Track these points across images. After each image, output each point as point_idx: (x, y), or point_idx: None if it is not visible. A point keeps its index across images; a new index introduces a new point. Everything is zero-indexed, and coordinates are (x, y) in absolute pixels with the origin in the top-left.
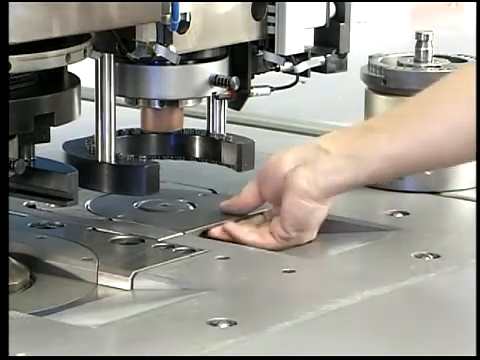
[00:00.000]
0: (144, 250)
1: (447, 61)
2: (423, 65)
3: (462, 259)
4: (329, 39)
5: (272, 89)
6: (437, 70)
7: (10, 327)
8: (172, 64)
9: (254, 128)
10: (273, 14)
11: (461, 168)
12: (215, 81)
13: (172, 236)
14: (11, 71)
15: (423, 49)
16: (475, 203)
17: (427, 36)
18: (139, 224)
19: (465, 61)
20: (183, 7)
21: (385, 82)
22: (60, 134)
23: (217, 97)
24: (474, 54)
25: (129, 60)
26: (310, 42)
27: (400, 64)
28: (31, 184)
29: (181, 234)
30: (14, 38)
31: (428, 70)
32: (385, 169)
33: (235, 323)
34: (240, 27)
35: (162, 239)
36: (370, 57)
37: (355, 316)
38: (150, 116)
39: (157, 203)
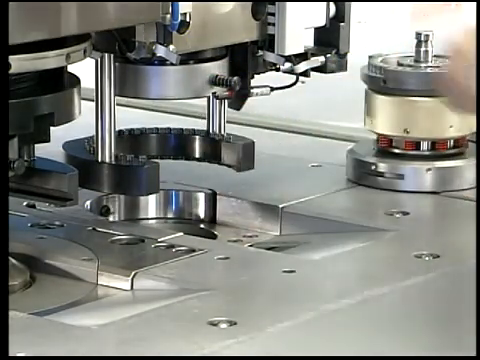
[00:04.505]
0: (144, 250)
1: (447, 61)
2: (423, 65)
3: (462, 259)
4: (329, 39)
5: (272, 89)
6: (437, 70)
7: (10, 327)
8: (172, 64)
9: (254, 128)
10: (273, 14)
11: (461, 168)
12: (215, 81)
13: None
14: (11, 71)
15: (423, 49)
16: (475, 203)
17: (427, 36)
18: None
19: None
20: (183, 7)
21: (385, 82)
22: (60, 134)
23: (217, 97)
24: None
25: (129, 60)
26: (310, 42)
27: (400, 64)
28: (31, 184)
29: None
30: (14, 38)
31: (428, 70)
32: None
33: (235, 323)
34: (240, 27)
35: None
36: (370, 57)
37: (355, 316)
38: None
39: None
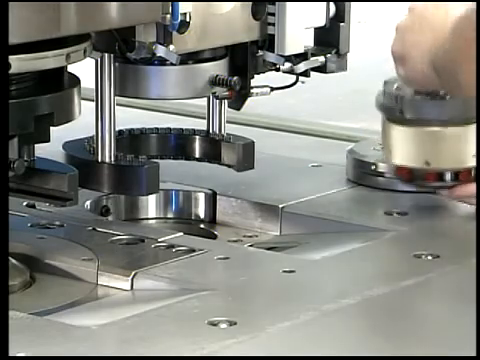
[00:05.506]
0: (144, 250)
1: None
2: (441, 92)
3: (462, 259)
4: (329, 39)
5: (272, 89)
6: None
7: (10, 327)
8: (172, 64)
9: (254, 128)
10: (273, 14)
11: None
12: (215, 81)
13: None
14: (11, 71)
15: None
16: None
17: None
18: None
19: None
20: (183, 7)
21: (402, 112)
22: (60, 134)
23: (217, 97)
24: None
25: (129, 60)
26: (310, 42)
27: (417, 92)
28: (31, 184)
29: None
30: (14, 38)
31: (447, 98)
32: None
33: (235, 323)
34: (240, 27)
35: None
36: (385, 83)
37: (355, 316)
38: None
39: None
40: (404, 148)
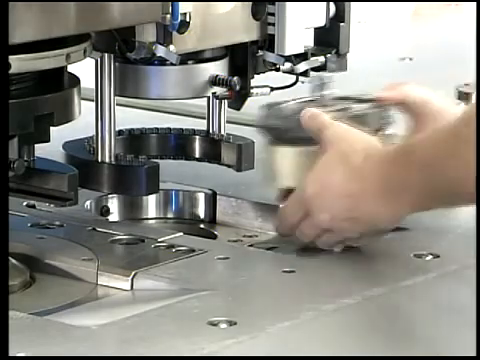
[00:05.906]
0: (144, 250)
1: (351, 102)
2: (328, 109)
3: (462, 259)
4: (329, 39)
5: (272, 89)
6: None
7: (10, 327)
8: (172, 64)
9: (254, 128)
10: (273, 14)
11: None
12: (215, 81)
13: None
14: (11, 71)
15: (323, 92)
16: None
17: (330, 78)
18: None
19: (370, 101)
20: (183, 7)
21: (284, 133)
22: (60, 134)
23: (217, 97)
24: (472, 56)
25: (129, 60)
26: (310, 42)
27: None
28: (31, 184)
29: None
30: (14, 38)
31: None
32: None
33: (235, 323)
34: (240, 27)
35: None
36: (267, 106)
37: (355, 316)
38: None
39: None
40: (293, 169)
